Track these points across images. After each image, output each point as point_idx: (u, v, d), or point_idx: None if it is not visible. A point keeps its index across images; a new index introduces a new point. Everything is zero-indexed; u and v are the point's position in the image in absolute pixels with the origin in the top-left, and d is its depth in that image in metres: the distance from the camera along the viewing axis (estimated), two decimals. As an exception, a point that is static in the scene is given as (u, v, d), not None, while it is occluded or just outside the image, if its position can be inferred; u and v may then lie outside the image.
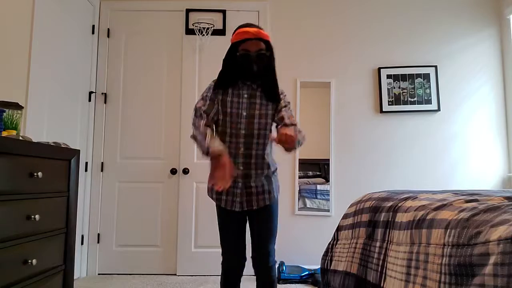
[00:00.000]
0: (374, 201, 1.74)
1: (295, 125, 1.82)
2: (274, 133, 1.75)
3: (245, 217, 1.91)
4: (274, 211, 1.90)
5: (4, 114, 1.79)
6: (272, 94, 1.85)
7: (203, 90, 1.91)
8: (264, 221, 1.88)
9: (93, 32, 3.49)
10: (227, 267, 1.98)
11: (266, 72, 1.82)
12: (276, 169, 1.95)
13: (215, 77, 1.89)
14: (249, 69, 1.77)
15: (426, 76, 3.55)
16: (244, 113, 1.81)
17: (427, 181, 3.47)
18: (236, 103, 1.83)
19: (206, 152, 1.69)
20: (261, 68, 1.79)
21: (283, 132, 1.54)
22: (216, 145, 1.68)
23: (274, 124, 1.92)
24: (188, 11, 3.57)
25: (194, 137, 1.79)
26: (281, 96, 1.89)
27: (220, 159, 1.63)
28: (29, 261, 1.57)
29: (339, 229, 1.99)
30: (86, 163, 3.39)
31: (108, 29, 3.57)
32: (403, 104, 3.53)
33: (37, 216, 1.61)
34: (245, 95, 1.83)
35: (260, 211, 1.86)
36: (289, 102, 1.91)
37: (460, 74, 3.59)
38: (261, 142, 1.82)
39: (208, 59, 3.49)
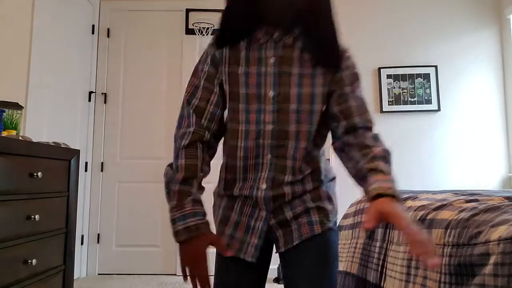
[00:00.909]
0: (374, 201, 1.73)
1: (365, 126, 0.97)
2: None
3: (264, 269, 1.06)
4: (332, 248, 1.00)
5: (4, 114, 1.79)
6: (326, 52, 0.98)
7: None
8: (315, 266, 0.97)
9: (93, 32, 3.49)
10: None
11: (312, 7, 0.94)
12: (334, 178, 1.11)
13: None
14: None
15: (426, 76, 3.55)
16: (271, 93, 0.96)
17: (427, 181, 3.46)
18: (255, 75, 0.97)
19: (175, 235, 0.95)
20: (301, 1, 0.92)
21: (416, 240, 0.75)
22: (193, 227, 0.91)
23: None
24: (188, 11, 3.57)
25: (166, 187, 0.97)
26: (345, 61, 1.01)
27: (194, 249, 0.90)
28: (29, 261, 1.57)
29: (339, 229, 1.99)
30: (86, 163, 3.39)
31: (108, 29, 3.57)
32: (403, 104, 3.52)
33: (37, 216, 1.61)
34: (272, 59, 0.96)
35: (304, 248, 0.98)
36: (358, 74, 1.02)
37: (460, 74, 3.58)
38: (303, 146, 0.97)
39: (208, 59, 3.49)
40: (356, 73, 1.02)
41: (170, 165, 0.98)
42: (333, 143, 1.04)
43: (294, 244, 0.97)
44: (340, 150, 1.02)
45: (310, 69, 0.97)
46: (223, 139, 1.06)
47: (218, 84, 1.02)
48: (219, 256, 1.04)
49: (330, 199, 1.04)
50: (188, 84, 1.07)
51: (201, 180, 0.98)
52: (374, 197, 0.84)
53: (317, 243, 0.98)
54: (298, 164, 0.97)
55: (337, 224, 1.06)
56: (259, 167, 0.98)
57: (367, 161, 0.92)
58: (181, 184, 0.94)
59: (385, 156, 0.95)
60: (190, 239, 0.90)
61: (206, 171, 0.99)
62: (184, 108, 1.02)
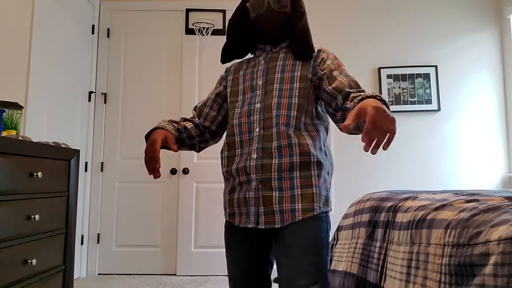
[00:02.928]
0: (374, 201, 1.74)
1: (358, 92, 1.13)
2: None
3: (268, 241, 1.19)
4: (315, 235, 1.10)
5: (4, 114, 1.79)
6: (302, 48, 1.23)
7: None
8: (294, 252, 1.08)
9: (93, 32, 3.49)
10: None
11: (292, 23, 1.25)
12: (324, 165, 1.18)
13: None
14: (266, 22, 1.23)
15: (426, 76, 3.55)
16: (260, 82, 1.24)
17: (427, 181, 3.46)
18: (250, 73, 1.28)
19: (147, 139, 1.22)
20: (282, 20, 1.24)
21: (363, 108, 0.89)
22: (158, 126, 1.23)
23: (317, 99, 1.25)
24: (188, 11, 3.57)
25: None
26: (318, 53, 1.26)
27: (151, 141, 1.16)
28: (29, 261, 1.57)
29: (339, 229, 1.99)
30: (86, 163, 3.39)
31: (108, 29, 3.57)
32: (403, 104, 3.53)
33: (37, 216, 1.61)
34: (263, 61, 1.28)
35: (287, 233, 1.11)
36: (339, 61, 1.28)
37: (460, 74, 3.59)
38: (284, 113, 1.16)
39: (208, 59, 3.49)
40: (337, 60, 1.27)
41: None
42: (337, 120, 1.17)
43: (276, 227, 1.12)
44: (343, 119, 1.14)
45: (291, 61, 1.24)
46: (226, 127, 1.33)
47: (220, 96, 1.36)
48: (225, 228, 1.27)
49: (320, 183, 1.15)
50: None
51: (183, 127, 1.30)
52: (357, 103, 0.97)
53: (301, 227, 1.10)
54: (283, 128, 1.15)
55: (328, 211, 1.16)
56: (251, 140, 1.18)
57: (357, 98, 1.06)
58: (165, 120, 1.29)
59: (375, 95, 1.03)
60: (151, 133, 1.20)
61: (187, 130, 1.31)
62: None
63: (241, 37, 1.31)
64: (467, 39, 3.62)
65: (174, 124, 1.29)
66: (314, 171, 1.14)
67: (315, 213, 1.11)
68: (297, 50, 1.24)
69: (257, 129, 1.17)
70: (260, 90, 1.22)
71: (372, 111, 0.88)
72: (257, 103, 1.20)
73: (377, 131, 0.87)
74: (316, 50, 1.26)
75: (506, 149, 3.53)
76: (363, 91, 1.13)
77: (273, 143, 1.14)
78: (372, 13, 3.66)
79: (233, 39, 1.32)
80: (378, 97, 0.98)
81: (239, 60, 1.37)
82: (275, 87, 1.20)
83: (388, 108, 0.96)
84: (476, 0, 3.65)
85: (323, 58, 1.24)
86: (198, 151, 1.40)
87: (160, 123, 1.26)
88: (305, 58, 1.23)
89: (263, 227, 1.13)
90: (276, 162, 1.13)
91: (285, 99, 1.17)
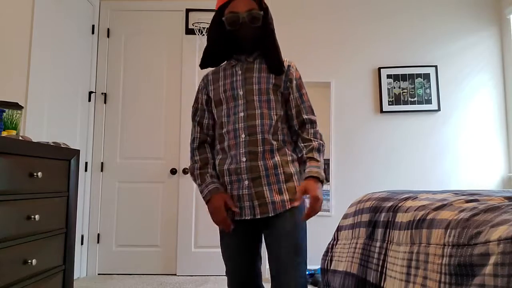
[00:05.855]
0: (374, 201, 1.74)
1: (310, 122, 1.44)
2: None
3: (258, 231, 1.43)
4: (299, 220, 1.34)
5: (4, 114, 1.79)
6: (274, 63, 1.41)
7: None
8: (284, 236, 1.32)
9: (93, 32, 3.49)
10: None
11: (263, 36, 1.41)
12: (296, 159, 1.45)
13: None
14: (242, 35, 1.38)
15: (426, 76, 3.55)
16: (241, 92, 1.40)
17: (427, 181, 3.46)
18: (230, 83, 1.43)
19: (204, 199, 1.40)
20: (256, 33, 1.39)
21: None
22: (213, 190, 1.38)
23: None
24: (188, 11, 3.57)
25: (192, 175, 1.47)
26: (289, 68, 1.45)
27: (215, 205, 1.36)
28: (29, 261, 1.57)
29: (339, 229, 1.99)
30: (86, 163, 3.39)
31: (108, 29, 3.57)
32: (403, 104, 3.53)
33: (37, 216, 1.61)
34: (239, 71, 1.43)
35: (277, 220, 1.34)
36: (302, 83, 1.48)
37: (460, 74, 3.59)
38: (266, 123, 1.38)
39: (208, 59, 3.49)
40: (301, 80, 1.48)
41: (191, 162, 1.47)
42: (292, 137, 1.47)
43: (270, 215, 1.34)
44: (296, 141, 1.46)
45: (265, 73, 1.42)
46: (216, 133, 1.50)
47: (209, 104, 1.49)
48: (221, 230, 1.43)
49: (298, 181, 1.40)
50: (192, 107, 1.53)
51: (212, 164, 1.46)
52: (305, 178, 1.32)
53: (289, 214, 1.34)
54: (266, 136, 1.37)
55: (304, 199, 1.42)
56: (238, 145, 1.37)
57: (307, 151, 1.39)
58: (201, 170, 1.44)
59: (319, 148, 1.41)
60: (211, 197, 1.37)
61: (212, 160, 1.47)
62: (194, 127, 1.51)
63: (218, 47, 1.45)
64: (467, 39, 3.62)
65: (213, 172, 1.44)
66: (293, 168, 1.40)
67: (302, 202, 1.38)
68: (271, 64, 1.41)
69: (243, 135, 1.37)
70: (242, 100, 1.39)
71: (312, 202, 1.26)
72: (241, 112, 1.39)
73: (312, 214, 1.28)
74: (286, 65, 1.45)
75: (506, 149, 3.53)
76: (312, 123, 1.44)
77: (259, 147, 1.36)
78: (372, 13, 3.66)
79: (211, 48, 1.46)
80: (315, 175, 1.32)
81: (212, 68, 1.51)
82: (255, 98, 1.39)
83: (323, 181, 1.33)
84: (476, 0, 3.65)
85: (291, 77, 1.44)
86: None
87: (206, 178, 1.42)
88: (278, 72, 1.42)
89: (259, 216, 1.35)
90: (262, 163, 1.36)
91: (266, 110, 1.39)
